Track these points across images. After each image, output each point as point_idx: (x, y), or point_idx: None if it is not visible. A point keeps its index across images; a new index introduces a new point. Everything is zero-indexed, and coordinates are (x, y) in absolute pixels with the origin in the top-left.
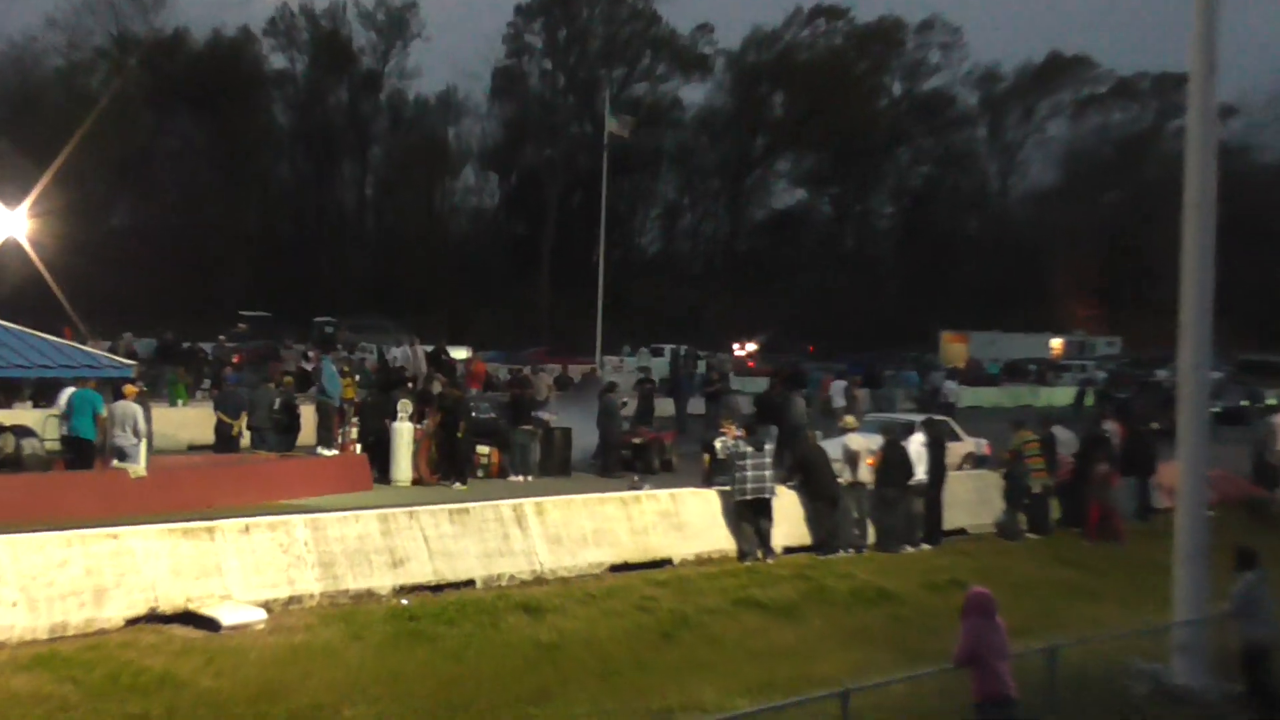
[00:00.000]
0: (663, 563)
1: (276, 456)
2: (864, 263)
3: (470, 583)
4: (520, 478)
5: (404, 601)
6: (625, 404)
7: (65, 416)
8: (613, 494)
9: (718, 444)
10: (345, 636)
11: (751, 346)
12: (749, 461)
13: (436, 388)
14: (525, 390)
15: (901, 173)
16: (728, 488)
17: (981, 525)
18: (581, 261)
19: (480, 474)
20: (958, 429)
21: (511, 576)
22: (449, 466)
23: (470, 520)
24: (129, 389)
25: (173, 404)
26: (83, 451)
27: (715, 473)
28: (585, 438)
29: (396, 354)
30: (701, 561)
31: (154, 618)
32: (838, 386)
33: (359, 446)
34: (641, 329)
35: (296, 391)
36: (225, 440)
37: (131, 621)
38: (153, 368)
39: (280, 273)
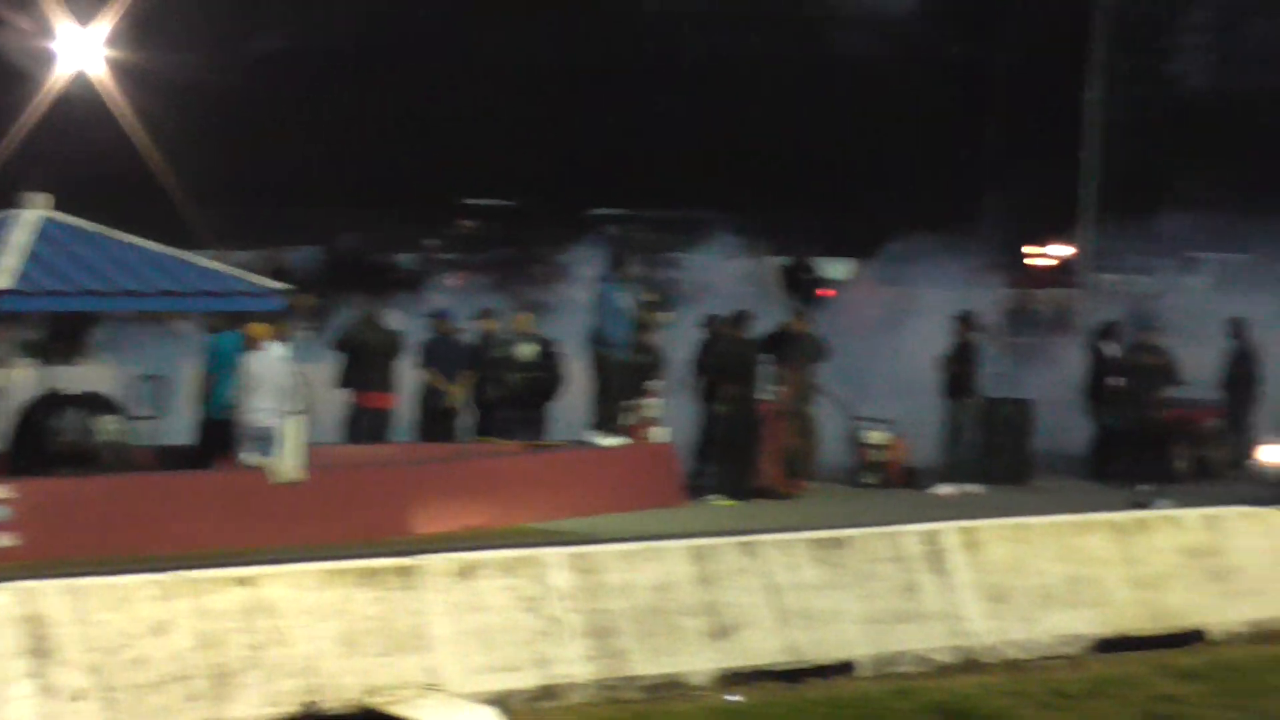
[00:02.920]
0: (1189, 636)
1: (521, 447)
2: None
3: (849, 666)
4: (948, 487)
5: (734, 698)
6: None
7: (208, 381)
8: (1100, 515)
9: None
10: None
11: (1060, 250)
12: None
13: (798, 326)
14: (970, 333)
15: None
16: None
17: None
18: (1064, 111)
19: (872, 479)
20: None
21: (920, 656)
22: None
23: (849, 559)
24: (255, 328)
25: None
26: (217, 438)
27: None
28: (1059, 417)
29: (729, 270)
30: (1262, 635)
31: None
32: None
33: (659, 431)
34: (1167, 230)
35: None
36: (436, 418)
37: None
38: (318, 295)
39: (531, 133)
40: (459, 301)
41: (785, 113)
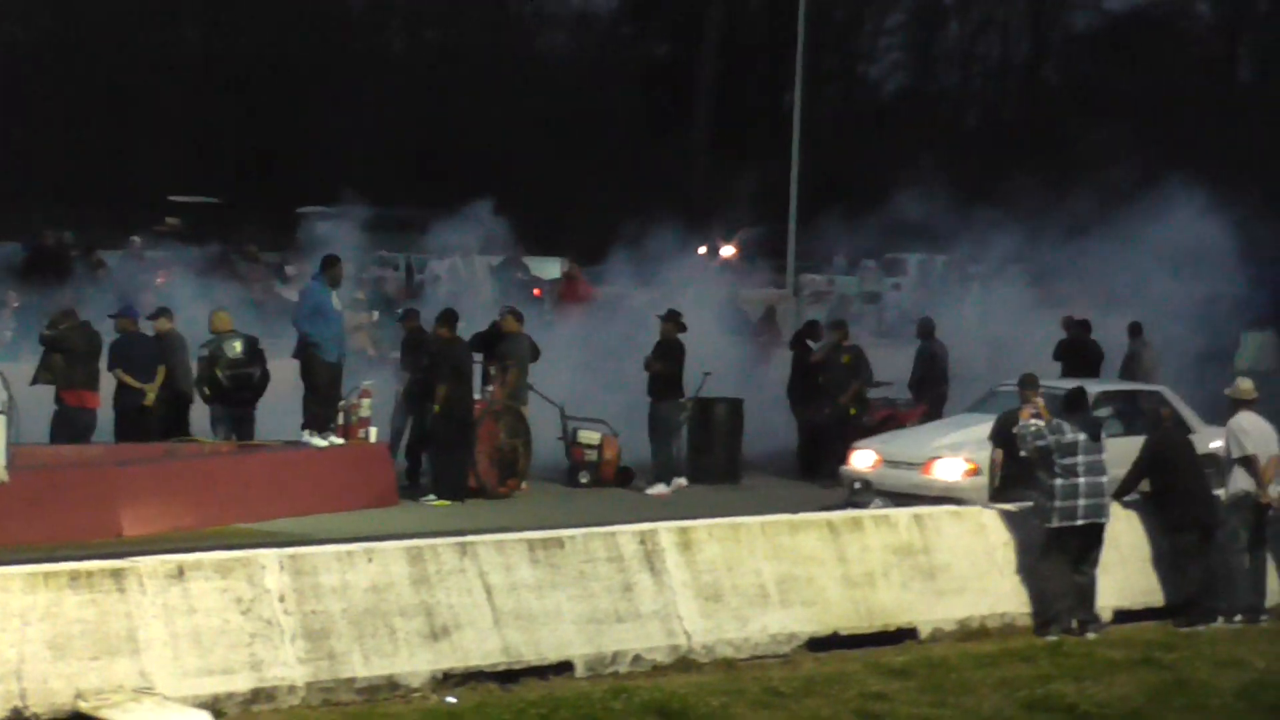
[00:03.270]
0: (901, 634)
1: (231, 447)
2: (1273, 105)
3: (567, 666)
4: (661, 487)
5: (450, 700)
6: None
7: None
8: (814, 515)
9: (1031, 426)
10: None
11: (727, 250)
12: (1080, 460)
13: (510, 326)
14: (674, 331)
15: None
16: (1019, 505)
17: None
18: (765, 111)
19: (584, 479)
20: None
21: (637, 656)
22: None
23: (566, 560)
24: None
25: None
26: None
27: (1016, 481)
28: (767, 417)
29: (440, 270)
30: (968, 633)
31: None
32: None
33: (373, 432)
34: (870, 229)
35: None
36: (132, 417)
37: None
38: (18, 293)
39: (237, 132)
40: (165, 299)
41: (501, 112)
